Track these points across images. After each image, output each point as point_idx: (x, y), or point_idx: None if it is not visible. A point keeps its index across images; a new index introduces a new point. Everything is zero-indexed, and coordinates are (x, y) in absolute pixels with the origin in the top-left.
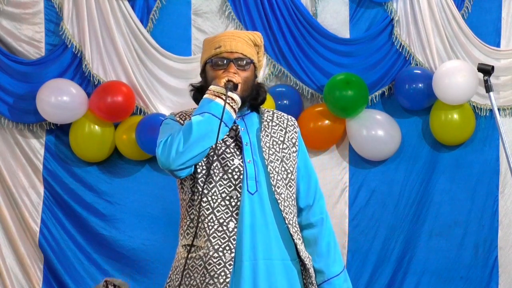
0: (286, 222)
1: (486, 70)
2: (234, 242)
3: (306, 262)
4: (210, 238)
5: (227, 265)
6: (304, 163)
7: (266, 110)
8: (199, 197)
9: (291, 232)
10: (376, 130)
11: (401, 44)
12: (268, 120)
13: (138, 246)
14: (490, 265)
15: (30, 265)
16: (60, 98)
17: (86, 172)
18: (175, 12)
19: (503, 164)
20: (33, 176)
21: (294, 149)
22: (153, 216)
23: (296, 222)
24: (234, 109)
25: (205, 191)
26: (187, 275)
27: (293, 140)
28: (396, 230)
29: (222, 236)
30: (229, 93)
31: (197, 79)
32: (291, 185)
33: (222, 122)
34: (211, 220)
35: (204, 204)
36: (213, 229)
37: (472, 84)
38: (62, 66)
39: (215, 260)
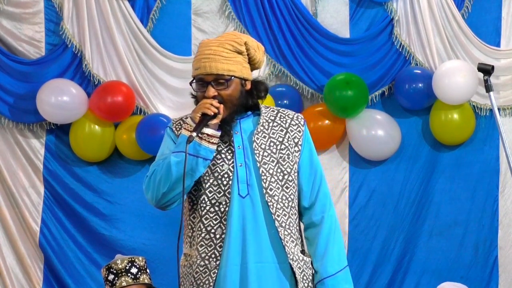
0: (277, 224)
1: (486, 70)
2: (220, 250)
3: (293, 266)
4: (198, 246)
5: (211, 273)
6: (309, 162)
7: (270, 109)
8: (192, 206)
9: (281, 235)
10: (376, 130)
11: (401, 44)
12: (269, 121)
13: (138, 246)
14: (490, 265)
15: (31, 265)
16: (60, 98)
17: (86, 172)
18: (175, 12)
19: (503, 164)
20: (33, 176)
21: (296, 148)
22: (153, 216)
23: (292, 224)
24: (213, 142)
25: (196, 200)
26: (182, 283)
27: (295, 140)
28: (396, 230)
29: (209, 244)
30: (203, 130)
31: None
32: (288, 186)
33: (200, 158)
34: (199, 229)
35: (195, 213)
36: (200, 237)
37: (472, 84)
38: (62, 66)
39: (201, 269)
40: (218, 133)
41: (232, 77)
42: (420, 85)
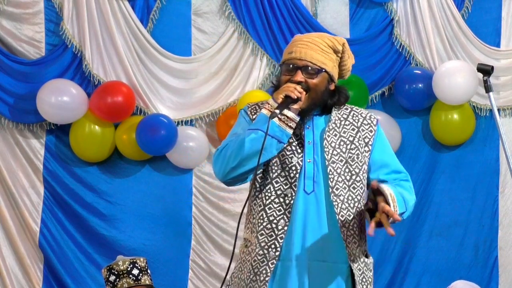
0: (340, 224)
1: (485, 70)
2: (281, 241)
3: (353, 267)
4: (258, 234)
5: (269, 263)
6: (379, 156)
7: (343, 107)
8: (255, 193)
9: (344, 235)
10: None
11: (401, 44)
12: (341, 119)
13: (138, 246)
14: (490, 265)
15: (30, 265)
16: (60, 98)
17: (86, 172)
18: (175, 12)
19: (503, 164)
20: (33, 176)
21: (366, 148)
22: (153, 216)
23: (357, 225)
24: (290, 126)
25: (260, 188)
26: (240, 268)
27: (366, 140)
28: (396, 230)
29: (269, 234)
30: (284, 111)
31: (197, 79)
32: (355, 186)
33: (275, 139)
34: (261, 217)
35: (257, 201)
36: (261, 226)
37: (472, 84)
38: (62, 66)
39: (259, 258)
40: (297, 118)
41: (323, 70)
42: (420, 85)
